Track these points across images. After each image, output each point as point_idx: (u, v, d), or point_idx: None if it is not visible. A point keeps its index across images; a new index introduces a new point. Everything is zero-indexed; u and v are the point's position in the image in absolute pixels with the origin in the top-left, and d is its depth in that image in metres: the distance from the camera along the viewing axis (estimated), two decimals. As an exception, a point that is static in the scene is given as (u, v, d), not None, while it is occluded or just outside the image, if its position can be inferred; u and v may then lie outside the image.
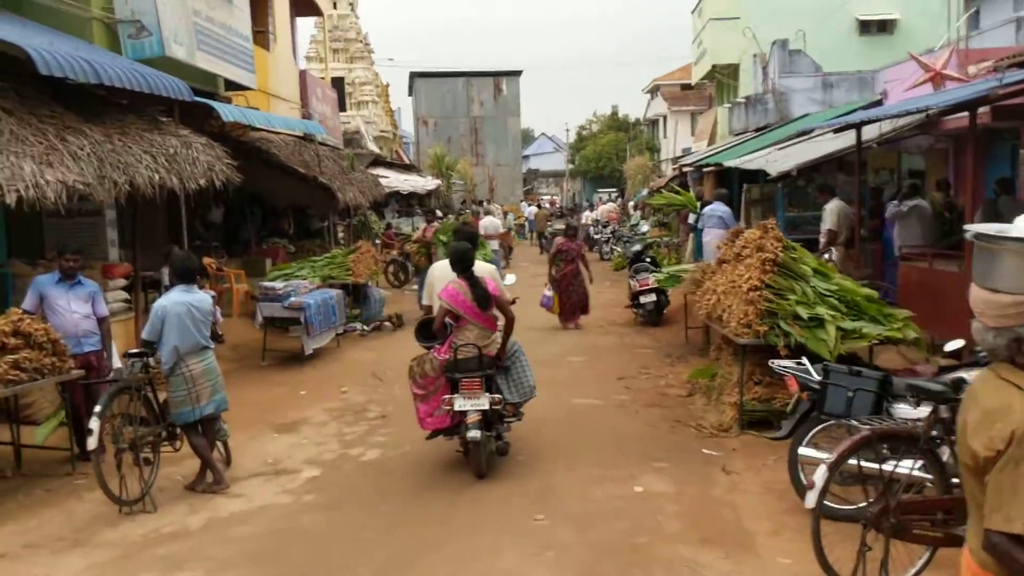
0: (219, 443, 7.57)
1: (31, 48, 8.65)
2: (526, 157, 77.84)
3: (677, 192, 21.28)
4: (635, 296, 15.31)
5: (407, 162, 42.51)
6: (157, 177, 10.13)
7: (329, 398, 10.47)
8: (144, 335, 7.02)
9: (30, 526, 6.40)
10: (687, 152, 37.59)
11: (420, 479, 7.31)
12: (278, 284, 12.59)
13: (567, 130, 76.20)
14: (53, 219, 12.85)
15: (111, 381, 7.17)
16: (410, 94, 69.58)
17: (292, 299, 12.33)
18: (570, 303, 15.12)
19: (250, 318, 14.66)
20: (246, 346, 13.25)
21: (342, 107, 31.96)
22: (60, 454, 7.83)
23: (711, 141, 31.59)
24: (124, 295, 11.82)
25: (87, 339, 7.92)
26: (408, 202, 35.00)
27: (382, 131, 39.48)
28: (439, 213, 32.74)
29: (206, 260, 15.26)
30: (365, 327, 15.19)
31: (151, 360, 7.08)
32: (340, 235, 23.59)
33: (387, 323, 15.67)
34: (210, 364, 7.08)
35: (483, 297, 7.16)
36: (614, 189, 59.15)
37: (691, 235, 18.73)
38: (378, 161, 32.62)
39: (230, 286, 14.93)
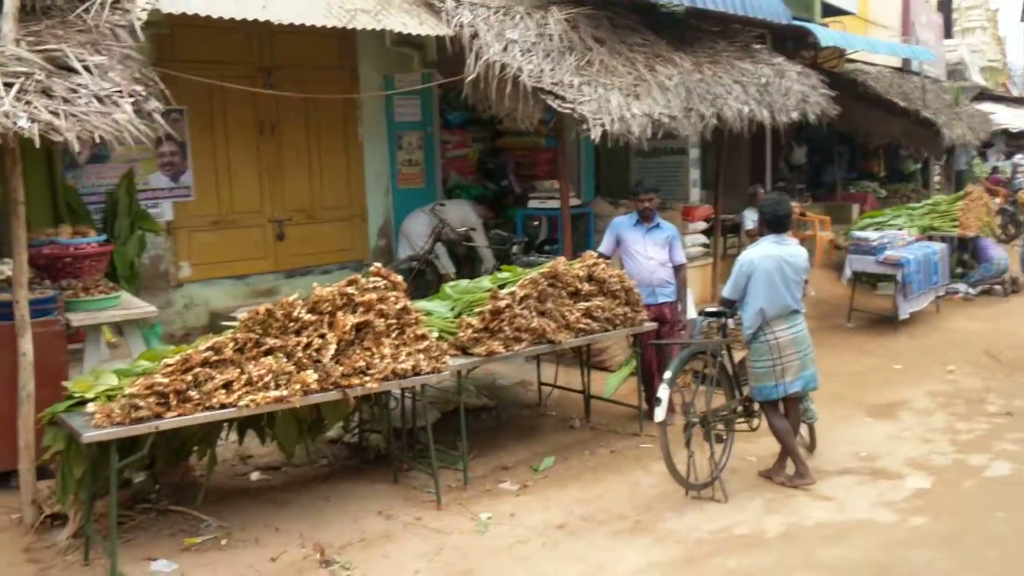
0: (804, 425, 6.33)
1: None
2: None
3: None
4: None
5: (1017, 95, 36.43)
6: (747, 109, 9.07)
7: (931, 378, 8.58)
8: (725, 292, 5.98)
9: (593, 494, 5.82)
10: None
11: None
12: (871, 235, 10.83)
13: None
14: (640, 158, 12.67)
15: (684, 344, 6.26)
16: (1023, 19, 60.19)
17: (888, 252, 10.51)
18: None
19: (833, 270, 13.13)
20: (829, 303, 11.76)
21: (946, 34, 28.03)
22: (628, 411, 7.26)
23: None
24: (703, 239, 11.11)
25: (661, 289, 7.16)
26: (1018, 142, 29.88)
27: (989, 61, 34.18)
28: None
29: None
30: (971, 290, 12.68)
31: (731, 322, 6.04)
32: (936, 179, 20.62)
33: (997, 286, 12.91)
34: (800, 332, 5.82)
35: None
36: None
37: None
38: (983, 95, 28.19)
39: (813, 233, 13.50)
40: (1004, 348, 9.56)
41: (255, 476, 6.09)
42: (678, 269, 7.25)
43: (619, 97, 7.89)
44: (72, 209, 7.43)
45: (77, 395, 4.74)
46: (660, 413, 5.47)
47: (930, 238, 12.30)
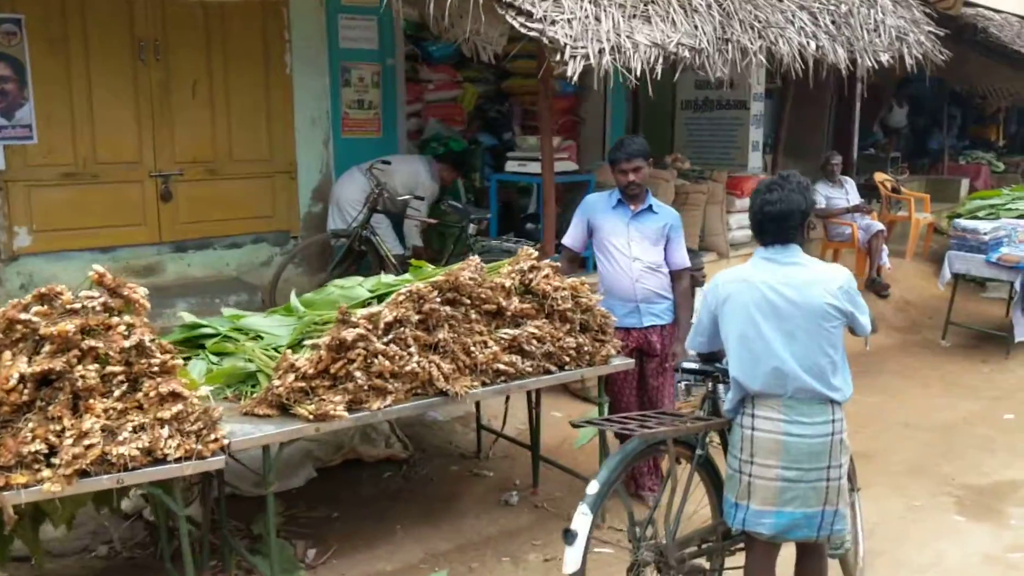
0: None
1: None
2: None
3: None
4: None
5: None
6: (813, 46, 6.46)
7: (1059, 440, 5.98)
8: (688, 342, 3.57)
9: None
10: None
11: None
12: (981, 225, 8.08)
13: None
14: (688, 112, 10.18)
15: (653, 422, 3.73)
16: None
17: (1004, 251, 7.80)
18: None
19: (931, 263, 10.40)
20: (920, 307, 9.12)
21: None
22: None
23: None
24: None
25: (650, 305, 4.73)
26: None
27: None
28: None
29: (879, 177, 11.28)
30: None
31: (721, 387, 3.59)
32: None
33: None
34: (806, 439, 3.14)
35: None
36: None
37: None
38: None
39: (908, 215, 10.73)
40: None
41: (-18, 573, 3.99)
42: (678, 276, 4.81)
43: (617, 18, 5.43)
44: None
45: None
46: (571, 561, 3.09)
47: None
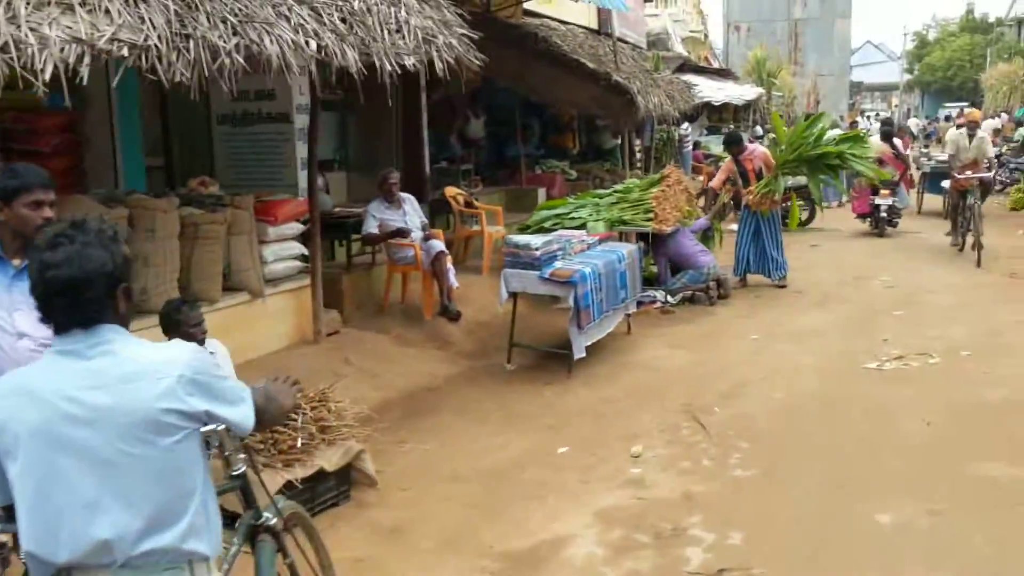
0: None
1: None
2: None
3: None
4: None
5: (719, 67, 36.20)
6: (313, 45, 5.46)
7: (607, 475, 5.45)
8: None
9: None
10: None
11: None
12: (533, 240, 7.64)
13: (904, 35, 65.88)
14: (226, 127, 8.91)
15: None
16: (721, -4, 62.50)
17: (556, 266, 7.41)
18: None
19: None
20: (490, 328, 8.57)
21: (648, -1, 26.31)
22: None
23: None
24: (298, 249, 7.47)
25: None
26: (720, 116, 29.01)
27: (691, 32, 33.57)
28: (759, 131, 26.75)
29: (450, 192, 10.76)
30: (669, 298, 9.97)
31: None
32: (638, 157, 18.36)
33: (700, 293, 10.25)
34: None
35: None
36: (966, 103, 49.53)
37: None
38: (686, 66, 26.87)
39: (481, 229, 10.30)
40: (711, 399, 6.73)
41: None
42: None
43: (17, 3, 4.03)
44: None
45: None
46: None
47: (622, 236, 9.56)
